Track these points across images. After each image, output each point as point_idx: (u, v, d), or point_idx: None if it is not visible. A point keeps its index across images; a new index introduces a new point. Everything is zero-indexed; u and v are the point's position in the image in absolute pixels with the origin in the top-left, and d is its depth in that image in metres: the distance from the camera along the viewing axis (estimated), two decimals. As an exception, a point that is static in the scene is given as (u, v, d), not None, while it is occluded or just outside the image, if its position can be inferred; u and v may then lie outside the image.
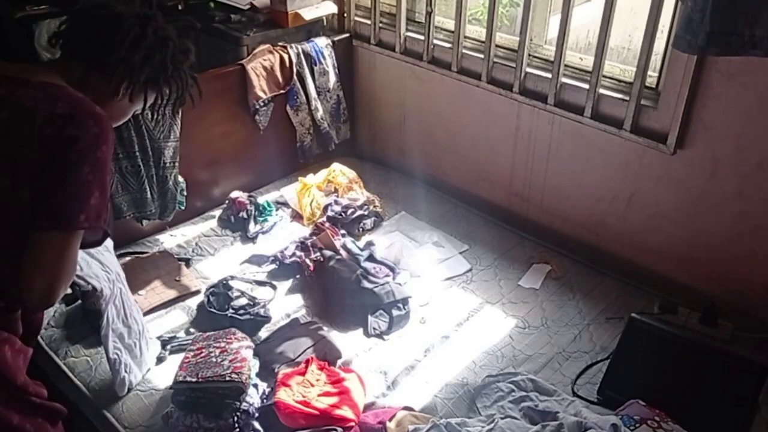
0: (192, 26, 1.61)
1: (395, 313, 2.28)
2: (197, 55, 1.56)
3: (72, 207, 1.25)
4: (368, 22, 3.09)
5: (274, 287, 2.44)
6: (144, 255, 2.55)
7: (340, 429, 1.82)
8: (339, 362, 2.09)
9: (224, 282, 2.36)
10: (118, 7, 1.39)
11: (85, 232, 1.30)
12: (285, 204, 2.95)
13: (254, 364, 1.98)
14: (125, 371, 1.99)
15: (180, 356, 2.00)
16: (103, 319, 1.97)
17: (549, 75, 2.53)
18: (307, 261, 2.46)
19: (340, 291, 2.37)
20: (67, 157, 1.24)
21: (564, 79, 2.51)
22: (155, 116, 1.52)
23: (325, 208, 2.78)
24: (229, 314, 2.22)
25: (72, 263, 1.28)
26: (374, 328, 2.25)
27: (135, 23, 1.37)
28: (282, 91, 2.96)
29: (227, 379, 1.83)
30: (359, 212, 2.76)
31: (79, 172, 1.25)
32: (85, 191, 1.26)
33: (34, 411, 1.40)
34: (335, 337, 2.19)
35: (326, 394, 1.90)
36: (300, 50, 2.97)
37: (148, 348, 2.08)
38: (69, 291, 2.19)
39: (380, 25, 3.07)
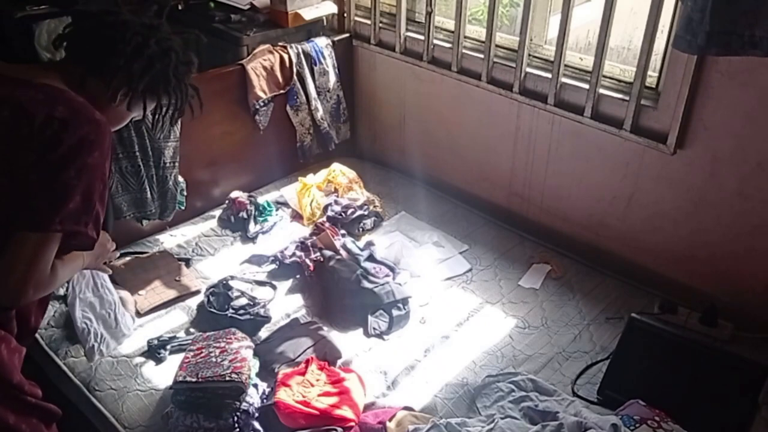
0: (198, 40, 1.60)
1: (395, 313, 2.28)
2: (197, 55, 1.56)
3: (48, 209, 1.24)
4: (368, 22, 3.09)
5: (274, 287, 2.44)
6: (144, 255, 2.55)
7: (340, 429, 1.82)
8: (339, 362, 2.08)
9: (224, 282, 2.36)
10: (124, 14, 1.39)
11: (71, 236, 1.28)
12: (285, 204, 2.95)
13: (254, 364, 1.98)
14: (95, 340, 2.06)
15: (180, 356, 2.00)
16: (69, 287, 1.95)
17: (549, 75, 2.53)
18: (307, 261, 2.46)
19: (340, 291, 2.36)
20: (54, 159, 1.23)
21: (564, 79, 2.51)
22: (154, 120, 1.51)
23: (325, 208, 2.78)
24: (229, 314, 2.22)
25: (44, 264, 1.26)
26: (374, 328, 2.25)
27: (138, 32, 1.37)
28: (282, 91, 2.96)
29: (227, 379, 1.83)
30: (359, 212, 2.76)
31: (64, 174, 1.24)
32: (64, 195, 1.25)
33: (29, 411, 1.39)
34: (335, 337, 2.19)
35: (326, 394, 1.90)
36: (300, 50, 2.97)
37: (124, 318, 2.12)
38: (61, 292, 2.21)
39: (380, 25, 3.07)
